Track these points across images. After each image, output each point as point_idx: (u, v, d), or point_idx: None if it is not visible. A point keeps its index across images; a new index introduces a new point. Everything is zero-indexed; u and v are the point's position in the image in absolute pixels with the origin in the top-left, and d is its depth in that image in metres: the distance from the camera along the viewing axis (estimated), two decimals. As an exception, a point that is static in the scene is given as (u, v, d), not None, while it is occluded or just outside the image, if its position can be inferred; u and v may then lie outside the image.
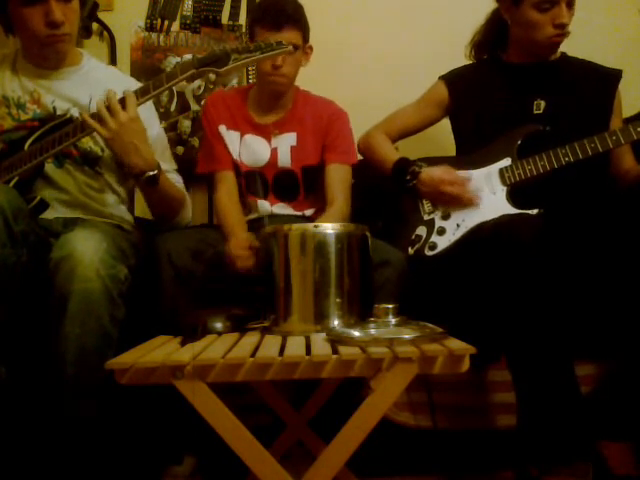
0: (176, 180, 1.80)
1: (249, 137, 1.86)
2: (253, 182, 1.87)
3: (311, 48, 1.85)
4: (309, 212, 1.90)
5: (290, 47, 1.55)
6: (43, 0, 1.54)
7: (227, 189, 1.84)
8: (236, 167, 1.86)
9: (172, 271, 1.52)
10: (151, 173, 1.54)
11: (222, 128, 1.86)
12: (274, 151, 1.85)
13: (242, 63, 1.50)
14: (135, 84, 1.75)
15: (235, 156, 1.85)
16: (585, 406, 1.47)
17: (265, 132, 1.86)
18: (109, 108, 1.48)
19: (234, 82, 2.31)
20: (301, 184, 1.87)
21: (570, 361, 1.43)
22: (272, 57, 1.60)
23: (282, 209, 1.87)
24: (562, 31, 1.74)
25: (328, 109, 1.89)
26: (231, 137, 1.86)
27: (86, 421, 1.36)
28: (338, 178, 1.83)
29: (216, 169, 1.86)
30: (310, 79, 1.88)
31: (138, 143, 1.51)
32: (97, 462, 1.36)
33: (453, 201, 1.76)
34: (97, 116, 1.49)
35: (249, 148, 1.86)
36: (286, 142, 1.85)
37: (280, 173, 1.86)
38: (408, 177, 1.81)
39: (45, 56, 1.67)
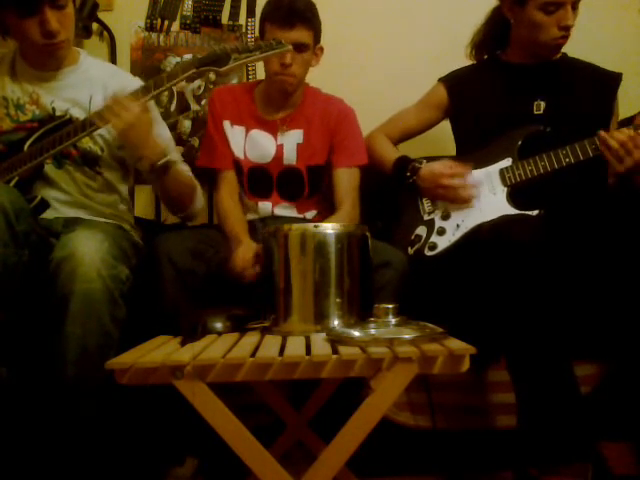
0: (186, 170, 1.79)
1: (255, 132, 1.85)
2: (257, 179, 1.85)
3: (322, 49, 1.83)
4: (310, 215, 1.88)
5: (289, 46, 1.55)
6: (38, 11, 1.54)
7: (229, 189, 1.84)
8: (239, 165, 1.85)
9: (172, 271, 1.51)
10: (164, 160, 1.56)
11: (226, 124, 1.85)
12: (280, 147, 1.84)
13: (242, 62, 1.51)
14: (132, 79, 1.77)
15: (239, 152, 1.84)
16: (585, 406, 1.47)
17: (271, 128, 1.84)
18: (121, 103, 1.49)
19: (234, 82, 2.31)
20: (306, 183, 1.85)
21: (569, 361, 1.43)
22: (278, 56, 1.61)
23: (284, 209, 1.86)
24: (567, 33, 1.74)
25: (336, 107, 1.87)
26: (235, 133, 1.85)
27: (86, 421, 1.36)
28: (346, 182, 1.81)
29: (218, 167, 1.85)
30: (310, 79, 1.87)
31: (150, 133, 1.53)
32: (98, 463, 1.36)
33: (451, 195, 1.76)
34: (110, 110, 1.49)
35: (255, 143, 1.84)
36: (292, 139, 1.84)
37: (285, 170, 1.85)
38: (408, 173, 1.81)
39: (43, 61, 1.67)
